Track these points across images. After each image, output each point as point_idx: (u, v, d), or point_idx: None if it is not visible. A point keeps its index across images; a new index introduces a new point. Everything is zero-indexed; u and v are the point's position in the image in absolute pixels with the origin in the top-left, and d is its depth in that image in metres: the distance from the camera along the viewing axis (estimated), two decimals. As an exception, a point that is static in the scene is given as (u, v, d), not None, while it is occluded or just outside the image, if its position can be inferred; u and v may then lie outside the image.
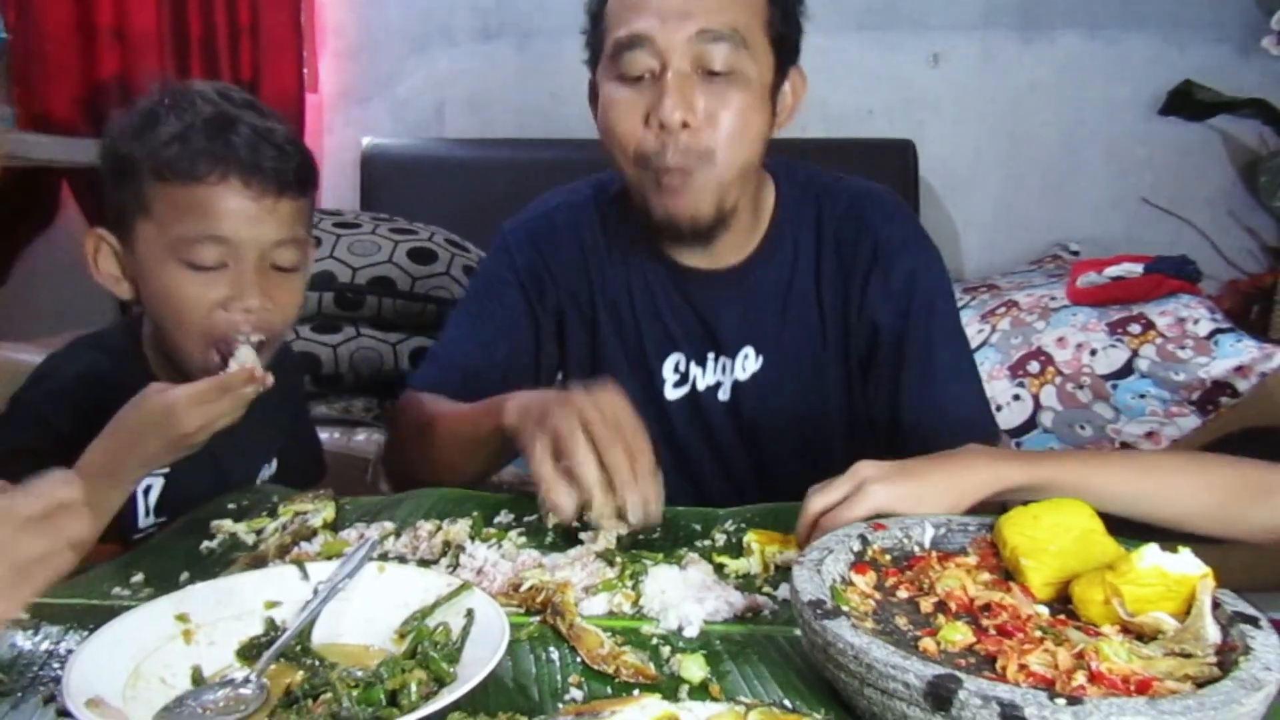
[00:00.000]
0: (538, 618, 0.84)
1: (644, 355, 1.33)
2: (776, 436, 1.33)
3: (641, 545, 0.99)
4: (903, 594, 0.79)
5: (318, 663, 0.75)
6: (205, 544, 1.01)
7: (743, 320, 1.31)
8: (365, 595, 0.82)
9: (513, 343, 1.33)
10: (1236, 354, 2.14)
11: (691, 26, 1.13)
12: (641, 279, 1.32)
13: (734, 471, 1.35)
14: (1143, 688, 0.62)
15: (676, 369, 1.33)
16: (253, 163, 1.05)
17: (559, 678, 0.75)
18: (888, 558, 0.85)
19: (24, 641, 0.79)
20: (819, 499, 0.93)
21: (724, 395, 1.33)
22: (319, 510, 1.06)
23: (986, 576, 0.80)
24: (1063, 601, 0.77)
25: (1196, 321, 2.22)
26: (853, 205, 1.31)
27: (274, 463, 1.34)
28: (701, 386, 1.33)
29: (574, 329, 1.36)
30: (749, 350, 1.31)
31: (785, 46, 1.22)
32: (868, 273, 1.28)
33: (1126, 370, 2.21)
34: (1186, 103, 2.92)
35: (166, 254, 1.06)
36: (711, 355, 1.32)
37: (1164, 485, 0.96)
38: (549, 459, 0.96)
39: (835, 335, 1.30)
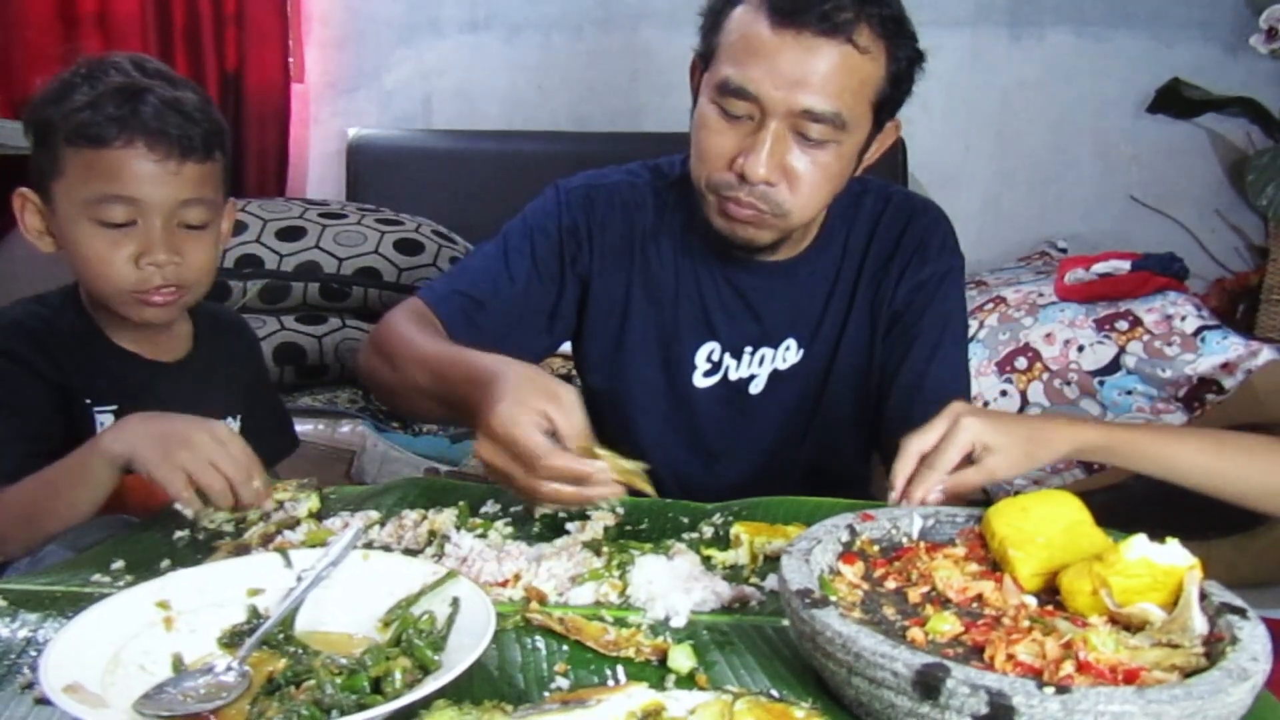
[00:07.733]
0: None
1: (676, 341, 1.34)
2: (804, 423, 1.36)
3: (629, 535, 0.98)
4: (891, 584, 0.79)
5: (301, 650, 0.74)
6: (186, 530, 1.00)
7: (790, 312, 1.34)
8: (349, 583, 0.81)
9: (529, 291, 1.31)
10: (1222, 351, 2.14)
11: (797, 100, 1.12)
12: (689, 266, 1.34)
13: (755, 455, 1.37)
14: (1130, 678, 0.62)
15: (709, 358, 1.35)
16: (158, 128, 1.11)
17: (544, 666, 0.74)
18: (876, 548, 0.85)
19: (2, 629, 0.78)
20: (917, 441, 0.96)
21: (757, 388, 1.35)
22: (302, 500, 1.05)
23: (974, 567, 0.80)
24: (1050, 593, 0.77)
25: (1183, 318, 2.23)
26: (901, 207, 1.35)
27: (233, 422, 1.34)
28: (734, 377, 1.35)
29: (599, 301, 1.35)
30: (791, 342, 1.34)
31: (887, 107, 1.23)
32: (904, 268, 1.33)
33: (1113, 367, 2.21)
34: (1174, 101, 2.93)
35: (80, 212, 1.12)
36: (749, 348, 1.34)
37: (1236, 463, 0.96)
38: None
39: (860, 327, 1.34)
